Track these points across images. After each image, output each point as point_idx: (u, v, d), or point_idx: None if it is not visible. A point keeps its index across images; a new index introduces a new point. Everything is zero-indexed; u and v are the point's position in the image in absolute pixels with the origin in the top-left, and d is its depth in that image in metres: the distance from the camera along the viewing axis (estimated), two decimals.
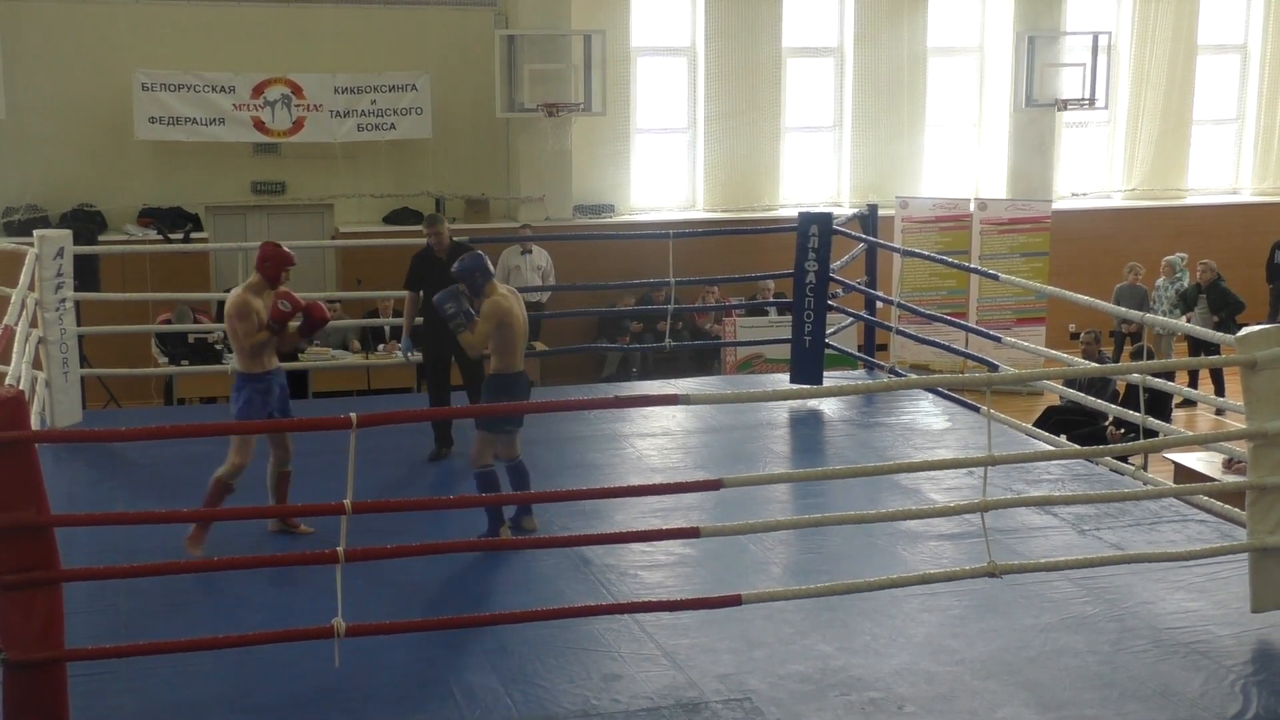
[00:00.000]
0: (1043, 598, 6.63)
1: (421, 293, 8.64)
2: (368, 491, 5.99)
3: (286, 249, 7.26)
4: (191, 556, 6.85)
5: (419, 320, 8.85)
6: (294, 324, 7.25)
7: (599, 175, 16.47)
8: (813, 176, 17.48)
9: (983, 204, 16.40)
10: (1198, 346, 14.43)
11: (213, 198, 15.23)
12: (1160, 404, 10.82)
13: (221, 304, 7.69)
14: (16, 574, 4.91)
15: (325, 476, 6.88)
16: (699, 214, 16.84)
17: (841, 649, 6.10)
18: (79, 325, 9.74)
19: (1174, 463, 10.77)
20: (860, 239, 10.94)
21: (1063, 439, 10.67)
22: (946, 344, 11.16)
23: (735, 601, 5.88)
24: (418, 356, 9.14)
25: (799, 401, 10.23)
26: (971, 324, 13.30)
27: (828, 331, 10.68)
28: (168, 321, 12.67)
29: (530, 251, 14.88)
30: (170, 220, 14.75)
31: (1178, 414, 13.58)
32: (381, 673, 5.81)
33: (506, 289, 7.41)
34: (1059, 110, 17.34)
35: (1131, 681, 5.83)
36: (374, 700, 5.63)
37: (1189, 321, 14.02)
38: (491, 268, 7.44)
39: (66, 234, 9.54)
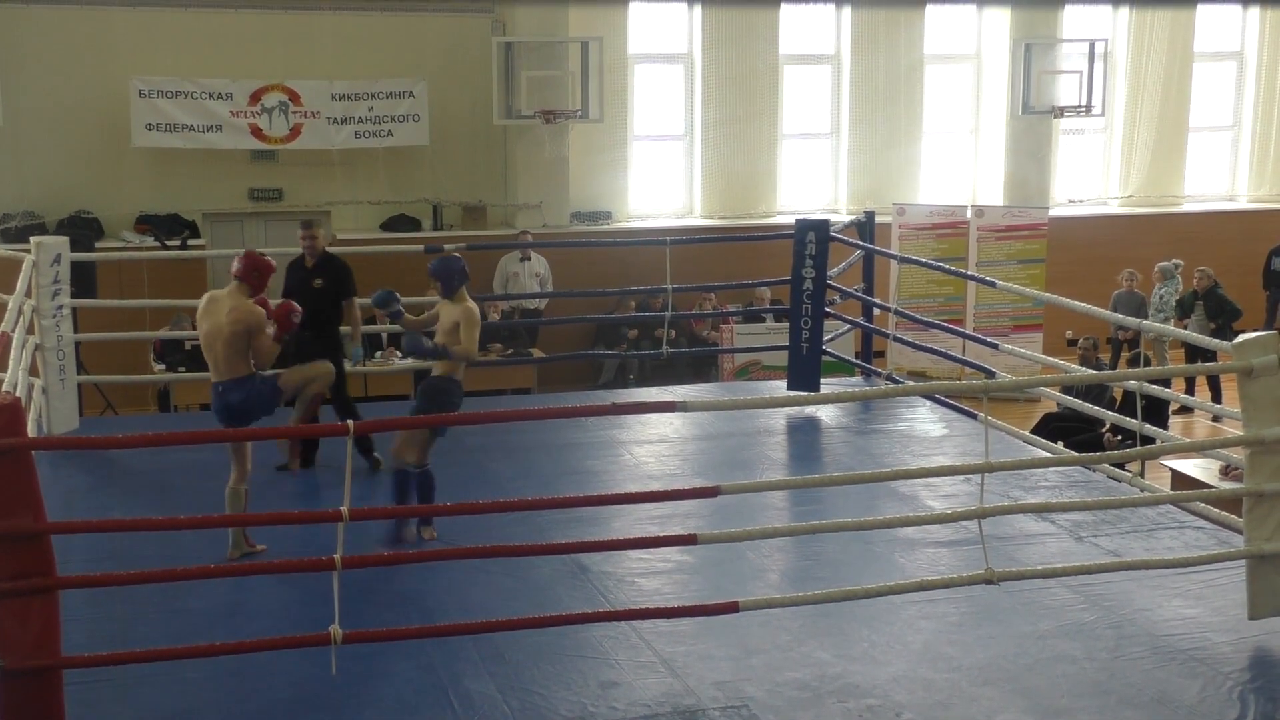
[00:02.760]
0: (1040, 605, 6.63)
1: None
2: (364, 498, 5.98)
3: (269, 259, 7.34)
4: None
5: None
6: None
7: (596, 182, 16.48)
8: (810, 183, 17.49)
9: (980, 211, 16.41)
10: (1194, 353, 14.44)
11: (210, 204, 15.24)
12: (1157, 411, 10.82)
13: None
14: (13, 581, 4.90)
15: (322, 483, 6.89)
16: (696, 221, 16.85)
17: (839, 656, 6.09)
18: (76, 332, 9.73)
19: (1171, 469, 10.78)
20: (857, 246, 10.95)
21: (1060, 446, 10.67)
22: (944, 351, 11.16)
23: (733, 609, 5.88)
24: None
25: (796, 408, 10.24)
26: (969, 331, 13.31)
27: (825, 338, 10.68)
28: (174, 327, 12.61)
29: (528, 258, 14.88)
30: (167, 227, 14.75)
31: (1175, 421, 13.58)
32: (379, 680, 5.80)
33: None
34: (1056, 117, 17.36)
35: (1129, 688, 5.83)
36: (371, 707, 5.62)
37: (1186, 328, 14.02)
38: (467, 271, 7.47)
39: (63, 241, 9.53)
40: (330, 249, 14.57)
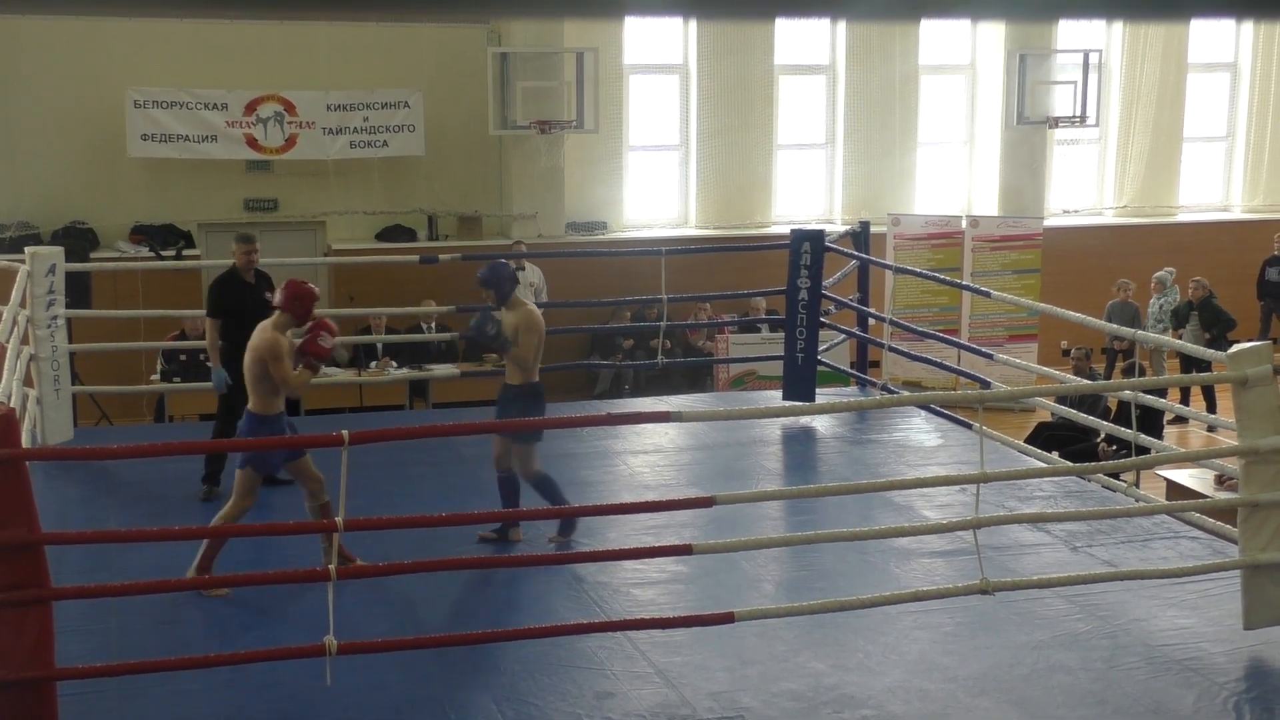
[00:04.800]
0: (1035, 615, 6.63)
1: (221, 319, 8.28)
2: (360, 509, 5.97)
3: (311, 286, 7.11)
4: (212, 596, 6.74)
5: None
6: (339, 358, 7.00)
7: (592, 192, 16.48)
8: (805, 193, 17.51)
9: (974, 221, 16.43)
10: (1189, 364, 14.45)
11: (205, 215, 15.23)
12: (1152, 421, 10.83)
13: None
14: (7, 592, 4.90)
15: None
16: (691, 231, 16.85)
17: (834, 667, 6.09)
18: (70, 342, 9.72)
19: (1166, 479, 10.78)
20: (852, 256, 10.96)
21: (1055, 456, 10.68)
22: (939, 361, 11.17)
23: (728, 619, 5.88)
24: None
25: (791, 418, 10.24)
26: (964, 341, 13.32)
27: (820, 348, 10.69)
28: (179, 336, 12.56)
29: (523, 268, 14.87)
30: (162, 237, 14.75)
31: (1169, 431, 13.59)
32: (374, 691, 5.79)
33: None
34: (1050, 128, 17.39)
35: (1124, 699, 5.83)
36: (367, 718, 5.61)
37: (1180, 338, 14.04)
38: (518, 278, 7.50)
39: (58, 251, 9.54)
40: (328, 258, 14.61)
